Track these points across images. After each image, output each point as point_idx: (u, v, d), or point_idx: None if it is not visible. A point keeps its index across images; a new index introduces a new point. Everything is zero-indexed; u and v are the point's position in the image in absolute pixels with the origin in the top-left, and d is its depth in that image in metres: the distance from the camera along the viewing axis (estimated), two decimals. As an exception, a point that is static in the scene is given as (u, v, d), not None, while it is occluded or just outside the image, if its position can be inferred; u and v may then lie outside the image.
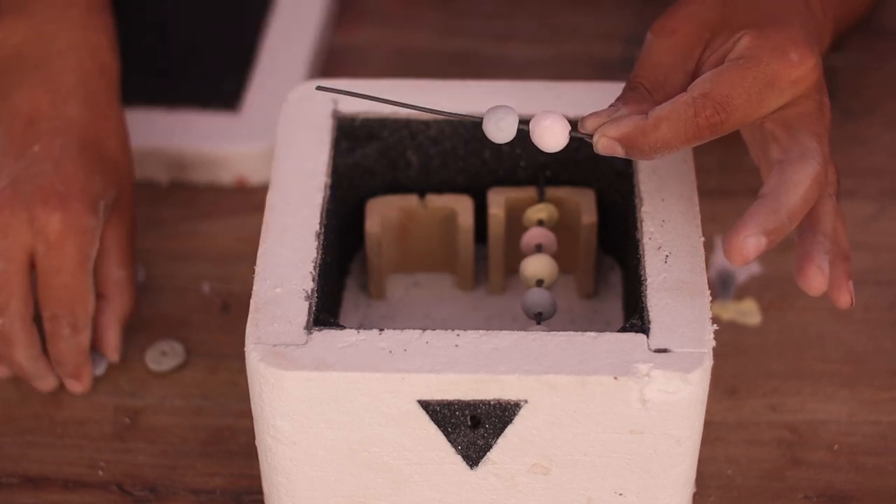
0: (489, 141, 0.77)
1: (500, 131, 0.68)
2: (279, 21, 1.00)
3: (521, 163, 0.79)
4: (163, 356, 0.83)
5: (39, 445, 0.79)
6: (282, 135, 0.76)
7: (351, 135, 0.77)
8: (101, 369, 0.82)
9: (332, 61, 1.00)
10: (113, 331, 0.81)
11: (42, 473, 0.78)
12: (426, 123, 0.77)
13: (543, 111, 0.68)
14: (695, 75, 0.69)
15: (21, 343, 0.78)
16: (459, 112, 0.70)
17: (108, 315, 0.81)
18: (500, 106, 0.68)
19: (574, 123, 0.68)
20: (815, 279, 0.68)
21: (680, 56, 0.70)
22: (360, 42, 1.02)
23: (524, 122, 0.68)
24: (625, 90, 0.69)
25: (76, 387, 0.81)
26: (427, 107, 0.70)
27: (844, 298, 0.70)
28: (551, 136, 0.68)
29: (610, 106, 0.68)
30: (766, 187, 0.67)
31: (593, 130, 0.68)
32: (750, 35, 0.68)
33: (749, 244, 0.65)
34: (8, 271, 0.77)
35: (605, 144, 0.67)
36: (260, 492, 0.75)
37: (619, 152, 0.67)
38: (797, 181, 0.67)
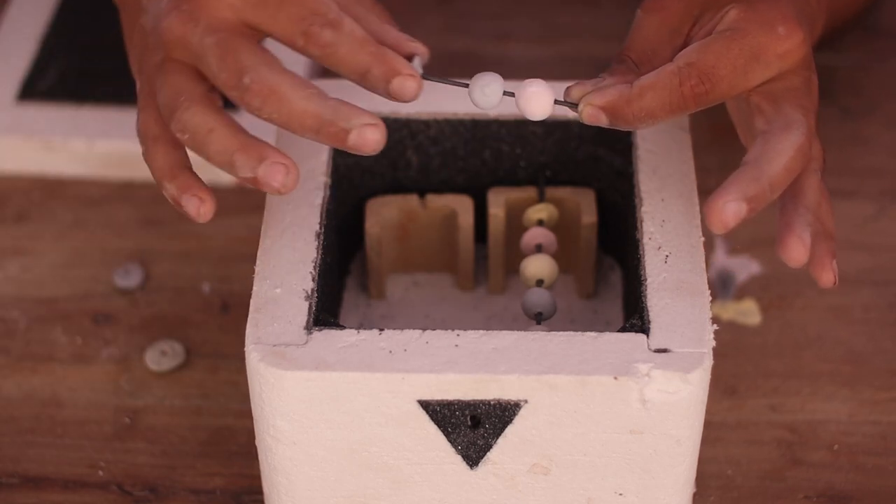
0: (489, 141, 0.78)
1: (486, 97, 0.68)
2: (279, 21, 1.00)
3: (521, 163, 0.79)
4: (163, 356, 0.82)
5: (39, 445, 0.79)
6: (281, 134, 0.76)
7: (351, 135, 0.77)
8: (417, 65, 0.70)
9: (332, 61, 1.00)
10: (394, 31, 0.72)
11: (42, 473, 0.78)
12: (426, 123, 0.77)
13: (529, 79, 0.68)
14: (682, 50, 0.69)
15: (287, 82, 0.68)
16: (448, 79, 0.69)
17: (375, 26, 0.71)
18: (485, 73, 0.68)
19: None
20: (796, 249, 0.67)
21: (668, 31, 0.70)
22: (360, 42, 1.02)
23: (510, 91, 0.68)
24: (612, 63, 0.70)
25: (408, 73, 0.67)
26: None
27: (827, 276, 0.69)
28: (537, 103, 0.68)
29: (596, 77, 0.69)
30: (749, 155, 0.67)
31: (578, 99, 0.68)
32: (738, 8, 0.68)
33: (729, 209, 0.65)
34: (225, 39, 0.68)
35: (589, 113, 0.67)
36: (260, 492, 0.75)
37: (603, 121, 0.67)
38: (780, 150, 0.66)
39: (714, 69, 0.66)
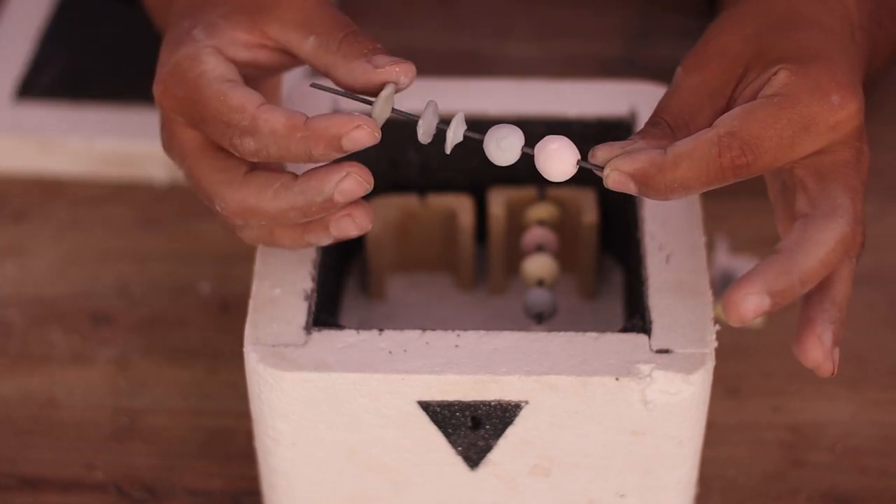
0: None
1: (502, 151, 0.64)
2: (278, 20, 0.99)
3: (522, 162, 0.78)
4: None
5: (37, 446, 0.79)
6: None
7: (350, 134, 0.77)
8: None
9: (331, 60, 1.00)
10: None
11: (39, 475, 0.78)
12: (426, 122, 0.77)
13: (550, 136, 0.64)
14: (724, 113, 0.63)
15: (252, 192, 0.66)
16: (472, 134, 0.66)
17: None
18: (502, 125, 0.64)
19: (584, 153, 0.63)
20: (812, 350, 0.62)
21: (709, 93, 0.64)
22: (360, 41, 1.02)
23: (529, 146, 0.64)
24: (646, 125, 0.64)
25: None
26: (416, 116, 0.65)
27: (826, 366, 0.63)
28: (558, 162, 0.63)
29: (626, 140, 0.63)
30: (784, 242, 0.61)
31: (604, 162, 0.62)
32: (788, 70, 0.62)
33: (749, 303, 0.59)
34: (190, 166, 0.69)
35: (615, 179, 0.61)
36: (259, 493, 0.74)
37: (631, 189, 0.61)
38: (819, 241, 0.60)
39: (758, 140, 0.60)
